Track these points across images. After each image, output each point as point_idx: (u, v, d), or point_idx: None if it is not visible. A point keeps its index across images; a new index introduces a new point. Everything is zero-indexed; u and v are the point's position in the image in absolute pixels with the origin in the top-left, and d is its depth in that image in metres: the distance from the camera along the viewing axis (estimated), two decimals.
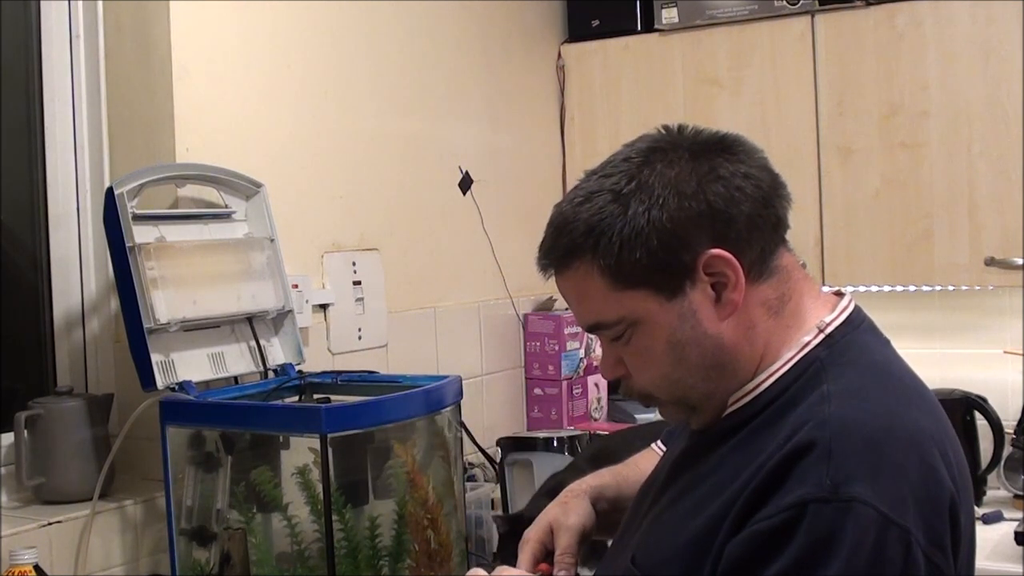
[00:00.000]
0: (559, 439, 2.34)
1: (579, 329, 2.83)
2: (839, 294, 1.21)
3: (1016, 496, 2.57)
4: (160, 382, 1.72)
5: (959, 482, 1.07)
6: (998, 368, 2.72)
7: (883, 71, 2.61)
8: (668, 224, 1.09)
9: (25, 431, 1.80)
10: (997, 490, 2.62)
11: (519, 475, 2.29)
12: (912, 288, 2.70)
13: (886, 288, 2.72)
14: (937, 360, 2.82)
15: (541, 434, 2.43)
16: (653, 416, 2.74)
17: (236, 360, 1.89)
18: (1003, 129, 2.49)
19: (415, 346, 2.48)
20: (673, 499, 1.16)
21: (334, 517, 1.64)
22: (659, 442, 1.44)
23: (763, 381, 1.14)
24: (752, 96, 2.75)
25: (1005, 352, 2.69)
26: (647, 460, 1.40)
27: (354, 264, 2.31)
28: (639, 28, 2.91)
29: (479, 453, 2.35)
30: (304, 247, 2.20)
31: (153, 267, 1.73)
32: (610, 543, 1.37)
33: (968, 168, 2.53)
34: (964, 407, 2.63)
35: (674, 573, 1.08)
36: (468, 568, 1.53)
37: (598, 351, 2.89)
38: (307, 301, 2.16)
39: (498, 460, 2.34)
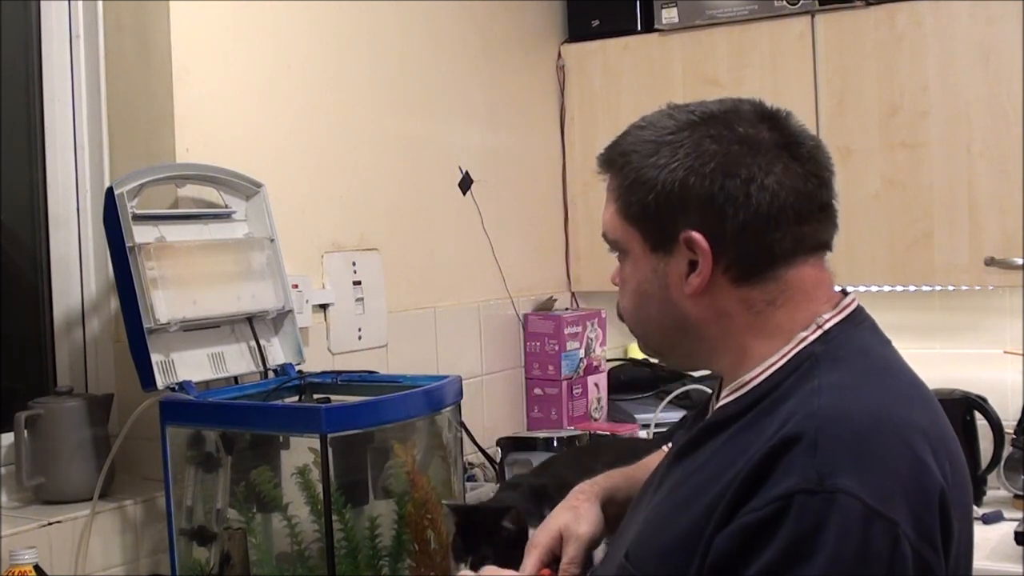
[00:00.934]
0: (559, 439, 2.34)
1: (579, 329, 2.83)
2: (844, 293, 1.21)
3: (1016, 496, 2.56)
4: (160, 382, 1.72)
5: (952, 479, 1.06)
6: (998, 368, 2.72)
7: (883, 71, 2.61)
8: (671, 188, 1.13)
9: (25, 431, 1.80)
10: (997, 490, 2.62)
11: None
12: (912, 288, 2.70)
13: (886, 288, 2.72)
14: (937, 360, 2.82)
15: (541, 434, 2.43)
16: (652, 416, 2.74)
17: (236, 360, 1.89)
18: (1003, 129, 2.49)
19: (415, 346, 2.48)
20: (666, 494, 1.18)
21: (334, 517, 1.64)
22: (669, 444, 1.44)
23: (757, 375, 1.15)
24: (752, 96, 2.75)
25: (1005, 352, 2.69)
26: (657, 460, 1.39)
27: (354, 264, 2.31)
28: (639, 28, 2.91)
29: (479, 453, 2.35)
30: (304, 247, 2.20)
31: (153, 267, 1.73)
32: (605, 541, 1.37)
33: (968, 168, 2.53)
34: (964, 407, 2.63)
35: (665, 567, 1.09)
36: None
37: (598, 351, 2.89)
38: (307, 301, 2.16)
39: (498, 460, 2.34)
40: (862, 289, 2.75)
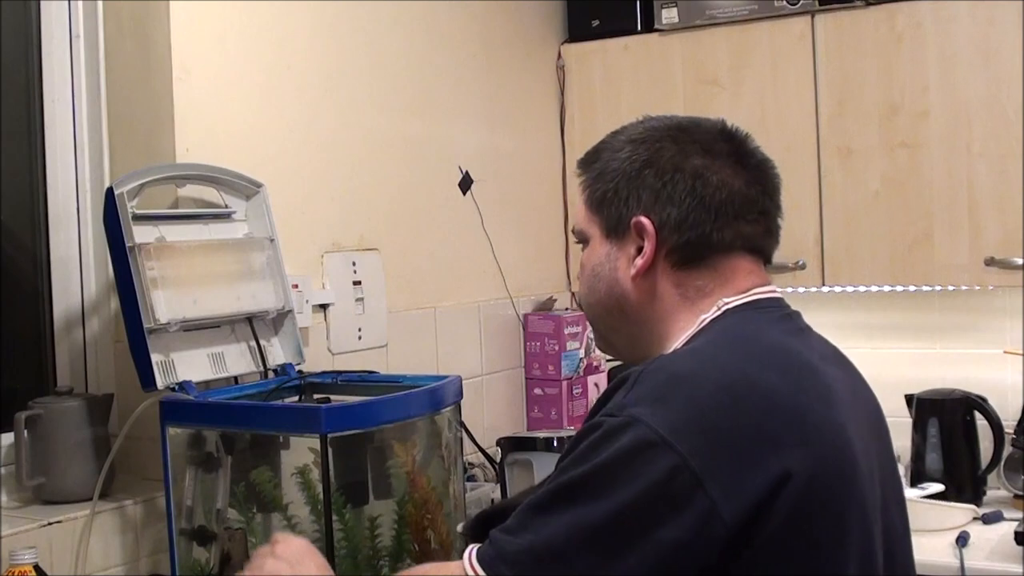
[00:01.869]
0: (559, 439, 2.34)
1: (579, 329, 2.83)
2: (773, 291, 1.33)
3: (1016, 496, 2.57)
4: (160, 382, 1.72)
5: (813, 455, 1.12)
6: (998, 368, 2.72)
7: (883, 71, 2.61)
8: (628, 177, 1.28)
9: (25, 431, 1.80)
10: (997, 490, 2.62)
11: (519, 475, 2.28)
12: (912, 288, 2.70)
13: (886, 288, 2.72)
14: (937, 360, 2.82)
15: (541, 434, 2.43)
16: None
17: (236, 360, 1.89)
18: (1003, 129, 2.49)
19: (415, 346, 2.48)
20: None
21: (334, 517, 1.64)
22: None
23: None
24: (752, 96, 2.75)
25: (1005, 352, 2.69)
26: None
27: (354, 264, 2.31)
28: (639, 28, 2.92)
29: (479, 453, 2.35)
30: (304, 247, 2.20)
31: (153, 267, 1.73)
32: None
33: (968, 168, 2.53)
34: (964, 407, 2.63)
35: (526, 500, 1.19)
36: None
37: (598, 351, 2.89)
38: (307, 301, 2.16)
39: (498, 460, 2.34)
40: (862, 289, 2.75)
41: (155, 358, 1.72)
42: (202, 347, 1.84)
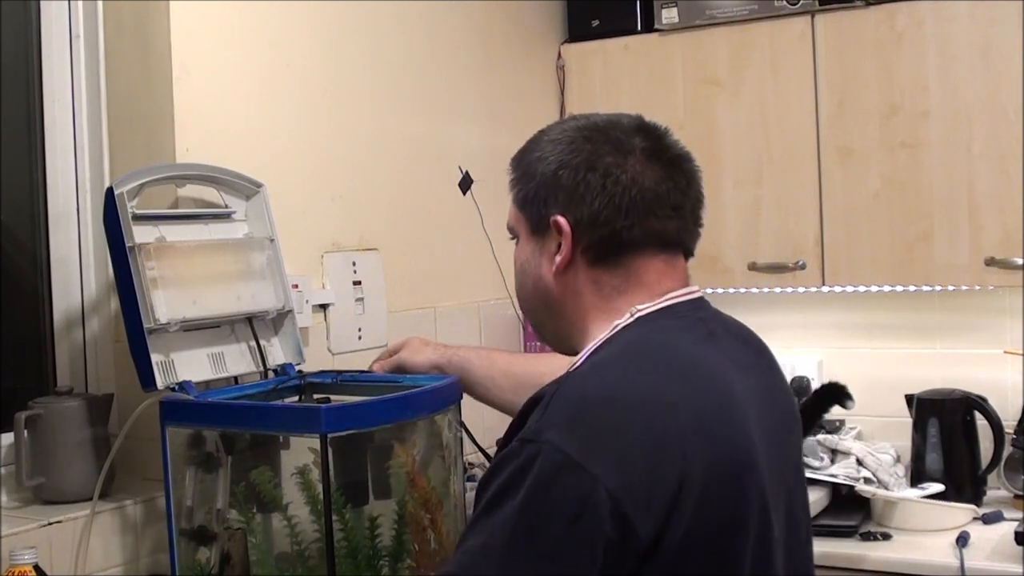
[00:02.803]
0: None
1: None
2: (694, 292, 1.36)
3: (1016, 496, 2.57)
4: (160, 382, 1.72)
5: (708, 453, 1.17)
6: (998, 368, 2.72)
7: (883, 71, 2.61)
8: (546, 178, 1.33)
9: (25, 431, 1.80)
10: (997, 490, 2.62)
11: None
12: (912, 288, 2.70)
13: (886, 288, 2.72)
14: (937, 360, 2.82)
15: None
16: None
17: (236, 360, 1.89)
18: (1003, 129, 2.49)
19: None
20: None
21: (334, 517, 1.64)
22: None
23: (577, 361, 1.32)
24: (752, 96, 2.75)
25: (1005, 352, 2.69)
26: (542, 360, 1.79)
27: (354, 264, 2.31)
28: (639, 28, 2.92)
29: (479, 453, 2.34)
30: (304, 247, 2.20)
31: (153, 267, 1.73)
32: None
33: (968, 168, 2.53)
34: (964, 407, 2.63)
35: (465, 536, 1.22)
36: None
37: None
38: (307, 301, 2.16)
39: None
40: (862, 289, 2.75)
41: (155, 358, 1.72)
42: (202, 347, 1.84)
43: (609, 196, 1.29)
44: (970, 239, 2.53)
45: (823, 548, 2.42)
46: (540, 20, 2.97)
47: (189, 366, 1.80)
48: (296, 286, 2.07)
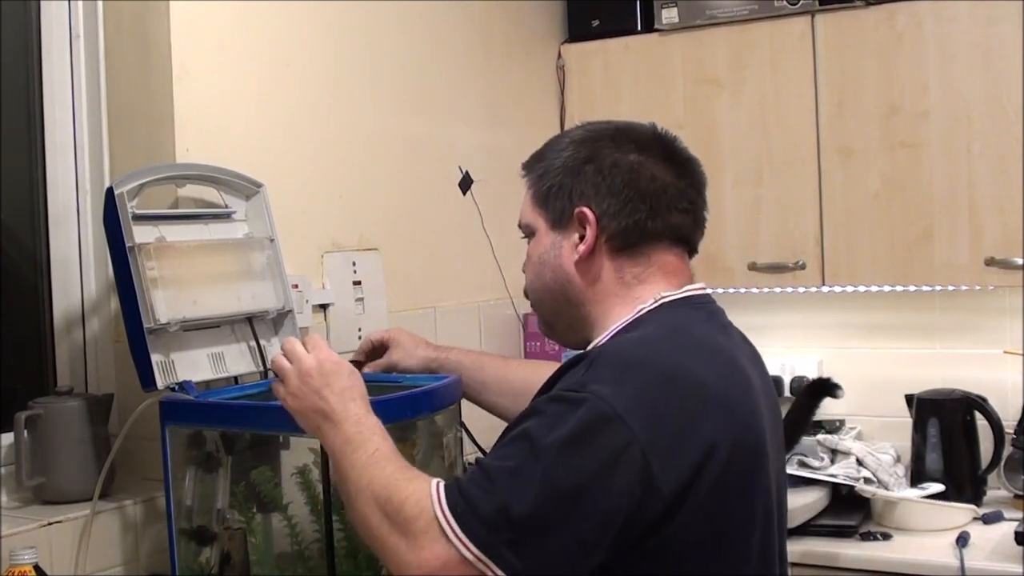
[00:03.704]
0: None
1: None
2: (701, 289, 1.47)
3: (1016, 496, 2.57)
4: (160, 382, 1.72)
5: (730, 429, 1.30)
6: (998, 368, 2.72)
7: (883, 71, 2.61)
8: (571, 173, 1.43)
9: (25, 431, 1.80)
10: (997, 490, 2.62)
11: None
12: (912, 288, 2.70)
13: (886, 288, 2.72)
14: (937, 360, 2.82)
15: None
16: None
17: (236, 360, 1.89)
18: (1003, 129, 2.49)
19: None
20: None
21: (334, 517, 1.64)
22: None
23: (602, 338, 1.42)
24: (752, 96, 2.75)
25: (1005, 352, 2.69)
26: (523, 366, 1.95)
27: (354, 264, 2.31)
28: (639, 28, 2.92)
29: (479, 453, 2.34)
30: (304, 247, 2.20)
31: (153, 267, 1.73)
32: None
33: (968, 168, 2.53)
34: (964, 407, 2.63)
35: (493, 454, 1.33)
36: None
37: None
38: (307, 301, 2.16)
39: None
40: (862, 289, 2.75)
41: (155, 358, 1.72)
42: (202, 347, 1.84)
43: (634, 189, 1.40)
44: (970, 239, 2.53)
45: (823, 548, 2.42)
46: (540, 20, 2.97)
47: (189, 366, 1.80)
48: (296, 286, 2.07)
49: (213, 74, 2.01)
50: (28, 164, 2.01)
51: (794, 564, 2.43)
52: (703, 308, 1.45)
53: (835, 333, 2.96)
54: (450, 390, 1.80)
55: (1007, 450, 2.59)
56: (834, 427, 2.78)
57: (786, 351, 2.99)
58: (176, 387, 1.74)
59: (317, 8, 2.25)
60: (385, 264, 2.40)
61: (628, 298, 1.42)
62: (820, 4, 2.66)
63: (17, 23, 2.00)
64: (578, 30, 3.02)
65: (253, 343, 1.90)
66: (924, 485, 2.56)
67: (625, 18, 2.93)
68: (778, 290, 2.84)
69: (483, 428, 2.53)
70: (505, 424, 1.63)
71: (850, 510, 2.54)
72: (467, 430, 1.88)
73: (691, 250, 1.48)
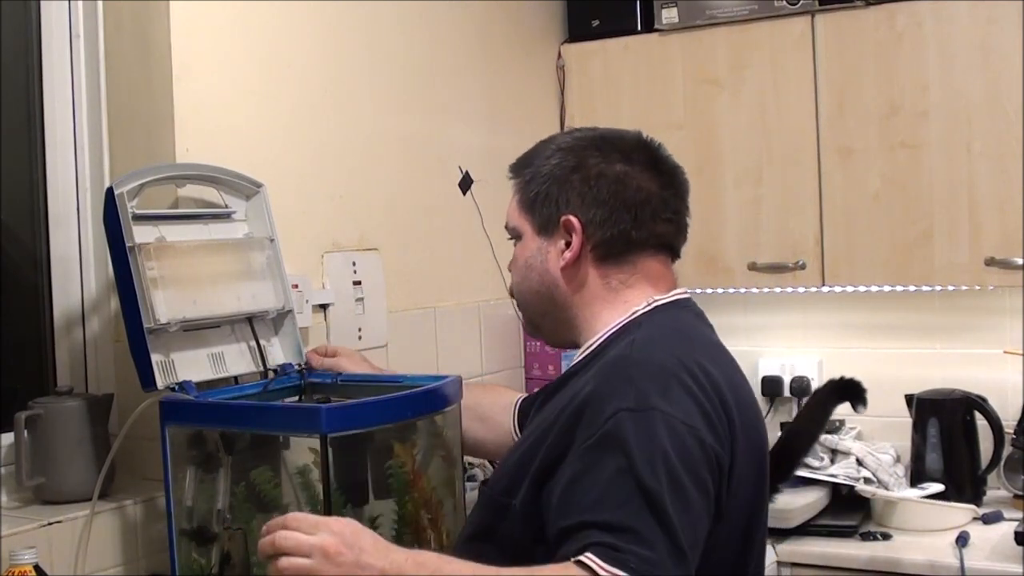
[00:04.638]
0: None
1: None
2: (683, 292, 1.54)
3: (1016, 496, 2.57)
4: (160, 382, 1.72)
5: (740, 417, 1.39)
6: (998, 368, 2.72)
7: (883, 71, 2.61)
8: (558, 182, 1.47)
9: (25, 431, 1.80)
10: (997, 490, 2.62)
11: None
12: (912, 288, 2.70)
13: (886, 288, 2.72)
14: (937, 360, 2.82)
15: None
16: None
17: (236, 360, 1.89)
18: (1003, 129, 2.49)
19: (415, 346, 2.48)
20: (520, 438, 1.54)
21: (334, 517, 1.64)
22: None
23: (599, 338, 1.47)
24: (752, 96, 2.75)
25: (1005, 352, 2.69)
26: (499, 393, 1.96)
27: (354, 264, 2.31)
28: (639, 28, 2.92)
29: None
30: (304, 247, 2.20)
31: (153, 267, 1.73)
32: None
33: (968, 168, 2.53)
34: (964, 407, 2.63)
35: (503, 485, 1.42)
36: None
37: None
38: (307, 301, 2.16)
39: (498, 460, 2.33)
40: (862, 289, 2.75)
41: (155, 358, 1.72)
42: (202, 347, 1.84)
43: (620, 199, 1.45)
44: (970, 239, 2.53)
45: (823, 548, 2.42)
46: (540, 20, 2.97)
47: (189, 366, 1.80)
48: (296, 286, 2.07)
49: (213, 74, 2.01)
50: (28, 164, 2.01)
51: (794, 564, 2.44)
52: (690, 310, 1.51)
53: (835, 333, 2.96)
54: (450, 390, 1.80)
55: (1007, 450, 2.59)
56: (834, 427, 2.78)
57: (786, 351, 2.99)
58: (176, 387, 1.74)
59: (317, 8, 2.24)
60: (385, 264, 2.40)
61: (616, 302, 1.47)
62: (820, 4, 2.66)
63: (17, 23, 2.00)
64: (578, 30, 3.02)
65: (253, 343, 1.90)
66: (924, 485, 2.56)
67: (625, 18, 2.93)
68: (778, 290, 2.84)
69: None
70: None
71: (850, 510, 2.54)
72: None
73: (674, 255, 1.53)
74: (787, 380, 2.95)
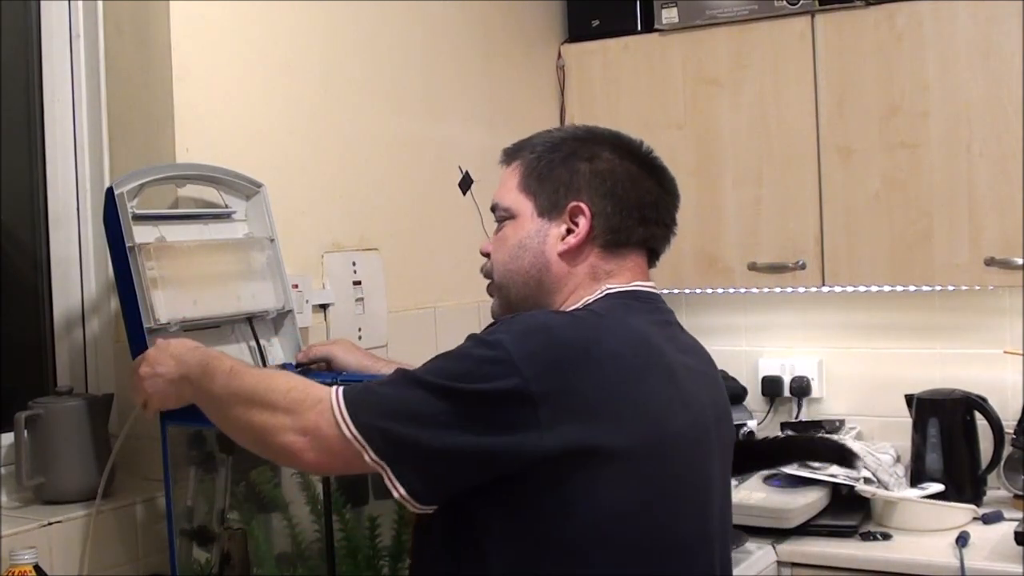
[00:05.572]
0: None
1: None
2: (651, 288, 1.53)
3: (1016, 496, 2.57)
4: None
5: (629, 395, 1.35)
6: (998, 368, 2.72)
7: (883, 71, 2.61)
8: (572, 172, 1.48)
9: (25, 431, 1.80)
10: (997, 490, 2.63)
11: None
12: (912, 288, 2.70)
13: (886, 288, 2.72)
14: (937, 360, 2.83)
15: None
16: None
17: None
18: (1003, 129, 2.49)
19: (415, 346, 2.47)
20: None
21: (334, 517, 1.64)
22: None
23: None
24: (752, 96, 2.75)
25: (1005, 352, 2.69)
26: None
27: (354, 264, 2.31)
28: (639, 28, 2.92)
29: None
30: (304, 247, 2.20)
31: (153, 267, 1.73)
32: None
33: (968, 168, 2.53)
34: (964, 407, 2.63)
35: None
36: None
37: None
38: (307, 301, 2.16)
39: None
40: (862, 289, 2.75)
41: None
42: None
43: (632, 197, 1.48)
44: (970, 239, 2.53)
45: (823, 548, 2.42)
46: (540, 20, 2.97)
47: None
48: (296, 286, 2.07)
49: (213, 74, 2.01)
50: (28, 164, 2.01)
51: (794, 564, 2.44)
52: (648, 303, 1.49)
53: (835, 333, 2.96)
54: None
55: (1007, 450, 2.59)
56: (834, 427, 2.78)
57: (786, 351, 2.99)
58: None
59: (317, 8, 2.24)
60: (385, 264, 2.40)
61: (591, 290, 1.48)
62: (820, 4, 2.66)
63: (17, 23, 2.00)
64: (578, 30, 3.02)
65: (253, 343, 1.90)
66: (924, 485, 2.56)
67: (625, 18, 2.93)
68: (778, 290, 2.85)
69: None
70: None
71: (850, 510, 2.54)
72: None
73: (653, 259, 1.55)
74: (787, 380, 2.95)
